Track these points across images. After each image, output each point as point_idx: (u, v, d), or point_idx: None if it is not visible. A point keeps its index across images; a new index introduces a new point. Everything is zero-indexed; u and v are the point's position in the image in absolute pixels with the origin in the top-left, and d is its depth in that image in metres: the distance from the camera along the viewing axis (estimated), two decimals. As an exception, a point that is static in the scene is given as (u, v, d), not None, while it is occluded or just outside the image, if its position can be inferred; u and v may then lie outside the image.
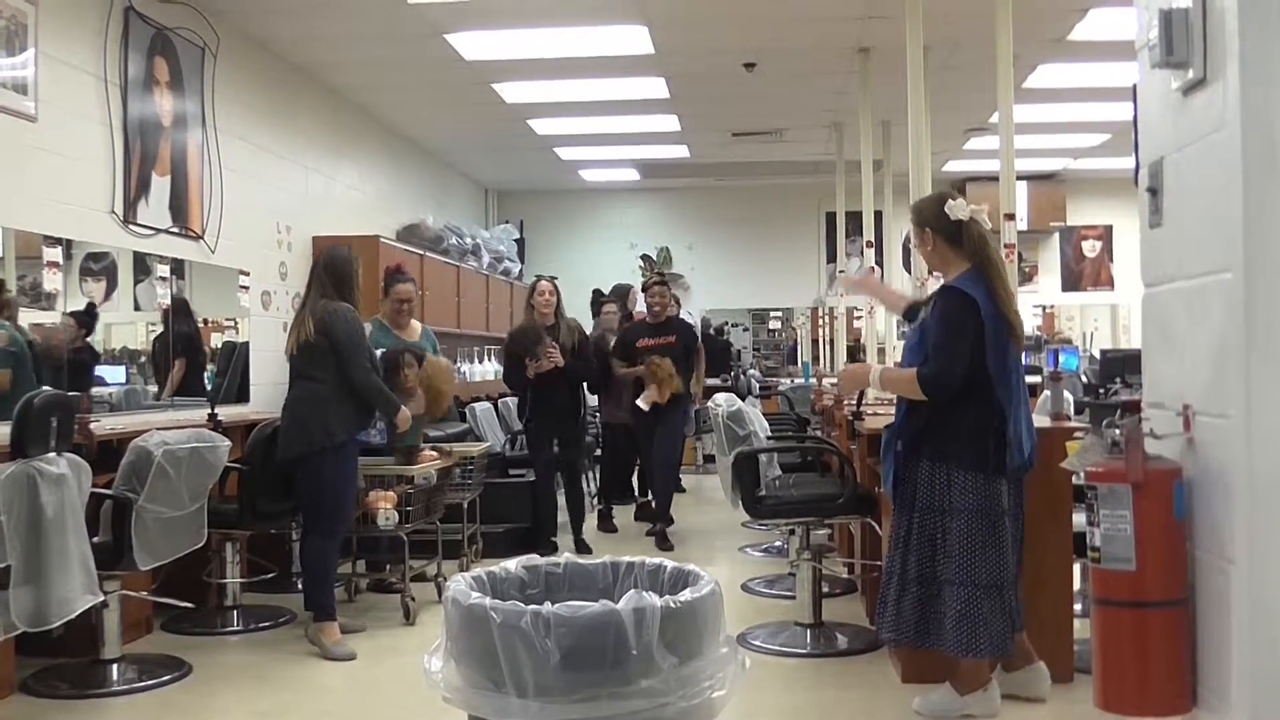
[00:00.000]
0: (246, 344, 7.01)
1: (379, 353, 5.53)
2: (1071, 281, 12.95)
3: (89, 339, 5.61)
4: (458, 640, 2.17)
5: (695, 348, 7.69)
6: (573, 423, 7.10)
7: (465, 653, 2.15)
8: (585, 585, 2.50)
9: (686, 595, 2.15)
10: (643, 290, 7.72)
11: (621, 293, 9.02)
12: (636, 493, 8.56)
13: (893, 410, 5.56)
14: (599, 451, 8.56)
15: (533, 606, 2.08)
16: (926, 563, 3.76)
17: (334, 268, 5.00)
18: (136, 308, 6.06)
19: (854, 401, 5.35)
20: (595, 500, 8.80)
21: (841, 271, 9.76)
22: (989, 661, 3.85)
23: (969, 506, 3.69)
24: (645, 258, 13.13)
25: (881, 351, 8.68)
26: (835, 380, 4.39)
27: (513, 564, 2.52)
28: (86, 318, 5.54)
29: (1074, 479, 3.65)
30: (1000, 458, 3.66)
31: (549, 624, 2.04)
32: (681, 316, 8.84)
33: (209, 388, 6.62)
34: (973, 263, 3.74)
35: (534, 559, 2.56)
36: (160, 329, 6.23)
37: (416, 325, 6.20)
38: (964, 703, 3.82)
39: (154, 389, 6.16)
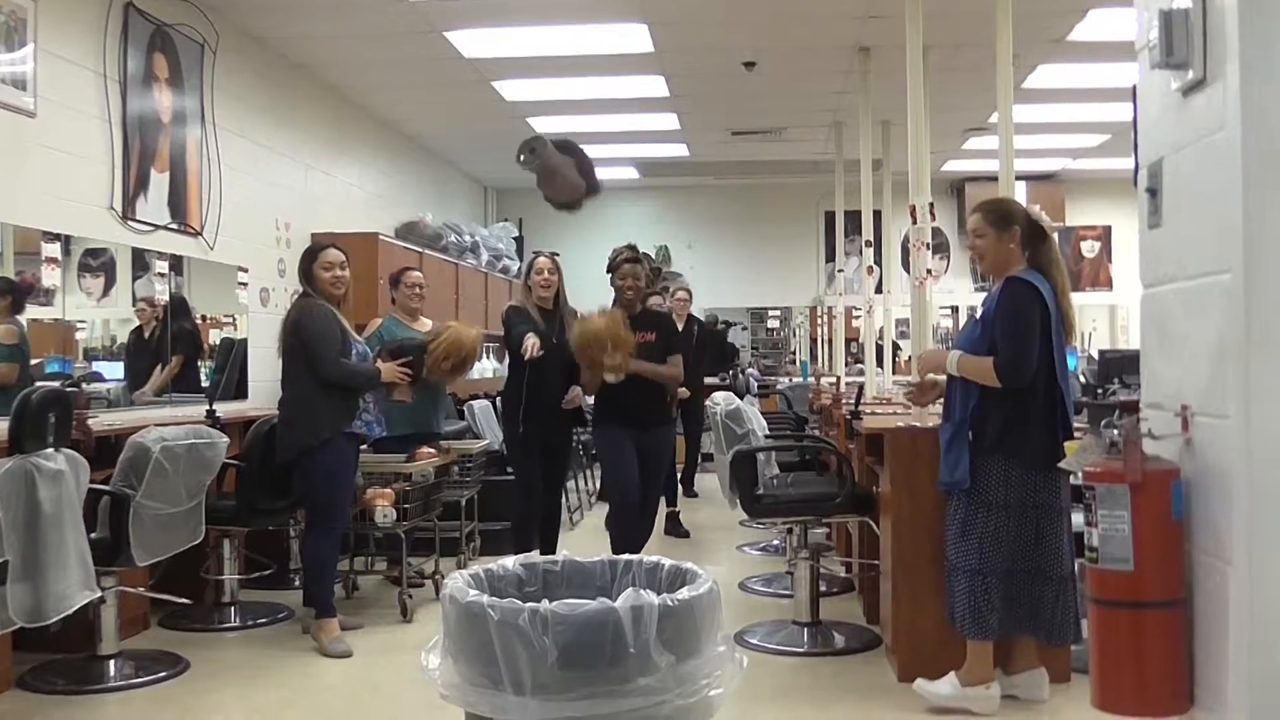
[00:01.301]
0: (245, 340, 7.00)
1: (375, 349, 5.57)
2: (1070, 282, 12.93)
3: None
4: (455, 638, 2.17)
5: (676, 347, 5.64)
6: (566, 431, 6.01)
7: (462, 650, 2.15)
8: (583, 583, 2.50)
9: (684, 594, 2.15)
10: (608, 270, 5.86)
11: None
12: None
13: (892, 412, 5.57)
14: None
15: (530, 604, 2.07)
16: (1018, 557, 3.81)
17: (299, 264, 5.11)
18: (135, 304, 6.05)
19: (852, 401, 5.36)
20: (593, 499, 8.81)
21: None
22: (991, 660, 3.89)
23: (1039, 501, 3.79)
24: (645, 255, 13.11)
25: (880, 349, 8.70)
26: (916, 359, 4.41)
27: (510, 561, 2.52)
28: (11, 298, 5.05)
29: (1072, 479, 3.67)
30: (1059, 452, 3.74)
31: (546, 621, 2.04)
32: (693, 314, 8.58)
33: (207, 384, 6.62)
34: (1036, 263, 3.92)
35: (532, 557, 2.56)
36: (136, 325, 6.10)
37: (427, 321, 6.19)
38: (963, 694, 3.86)
39: (147, 388, 6.08)
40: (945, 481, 3.92)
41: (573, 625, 2.04)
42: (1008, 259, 3.91)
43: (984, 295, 4.17)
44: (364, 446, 5.26)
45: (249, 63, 7.12)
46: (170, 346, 6.26)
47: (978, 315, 4.03)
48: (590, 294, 9.34)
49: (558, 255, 6.05)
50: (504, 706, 2.06)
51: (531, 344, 5.42)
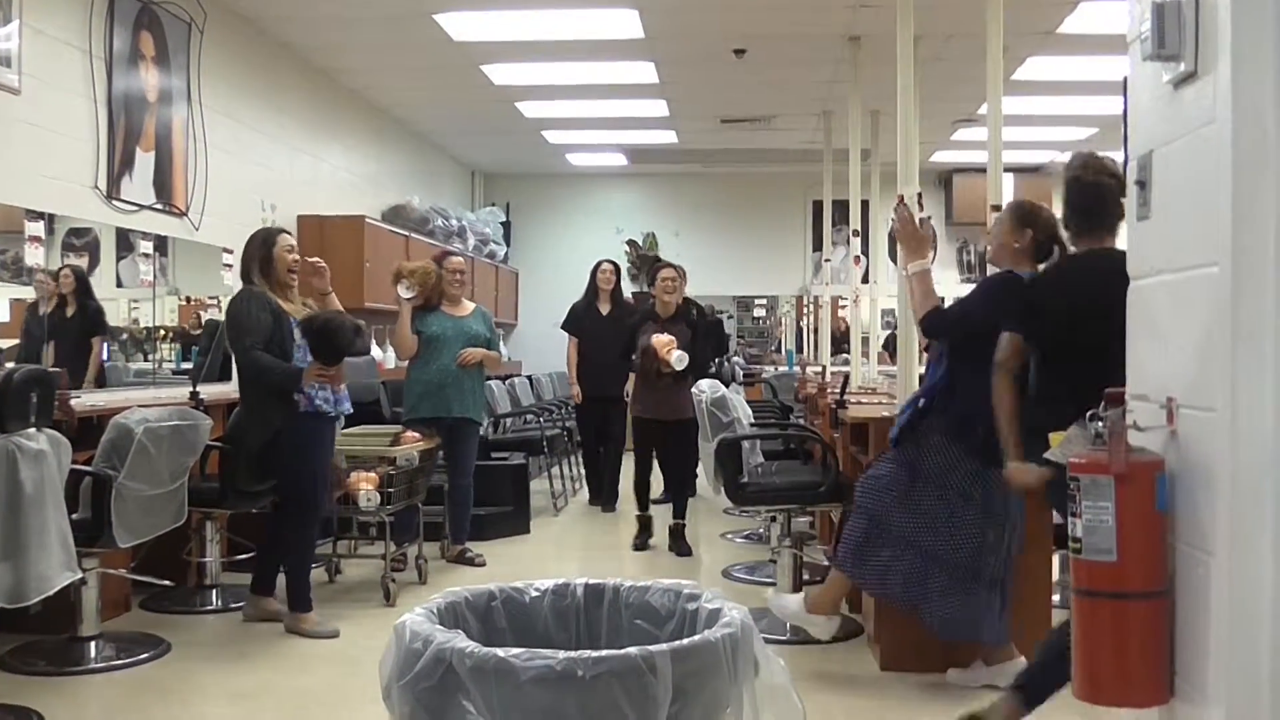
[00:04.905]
0: (229, 322, 6.96)
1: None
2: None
3: None
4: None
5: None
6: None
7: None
8: (648, 615, 2.37)
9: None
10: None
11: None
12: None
13: (877, 402, 5.58)
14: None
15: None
16: (926, 534, 3.91)
17: (252, 250, 4.92)
18: (119, 284, 6.01)
19: (837, 390, 5.36)
20: (577, 486, 8.81)
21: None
22: (843, 598, 4.28)
23: (969, 491, 3.87)
24: (631, 243, 13.12)
25: (866, 340, 8.71)
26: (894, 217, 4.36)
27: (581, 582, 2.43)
28: None
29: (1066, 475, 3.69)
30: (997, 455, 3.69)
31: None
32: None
33: (192, 366, 6.59)
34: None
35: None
36: (32, 300, 5.39)
37: (469, 304, 6.43)
38: (808, 617, 4.19)
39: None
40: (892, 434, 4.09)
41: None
42: (1009, 255, 3.92)
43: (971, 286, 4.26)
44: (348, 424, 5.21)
45: (236, 43, 7.07)
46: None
47: None
48: (576, 278, 9.35)
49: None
50: None
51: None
